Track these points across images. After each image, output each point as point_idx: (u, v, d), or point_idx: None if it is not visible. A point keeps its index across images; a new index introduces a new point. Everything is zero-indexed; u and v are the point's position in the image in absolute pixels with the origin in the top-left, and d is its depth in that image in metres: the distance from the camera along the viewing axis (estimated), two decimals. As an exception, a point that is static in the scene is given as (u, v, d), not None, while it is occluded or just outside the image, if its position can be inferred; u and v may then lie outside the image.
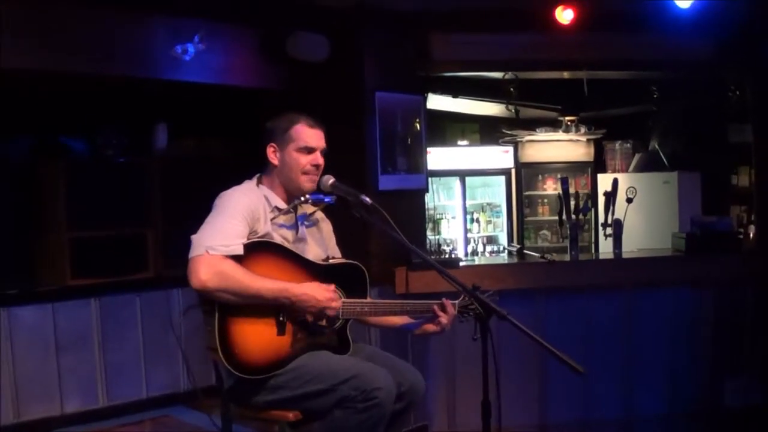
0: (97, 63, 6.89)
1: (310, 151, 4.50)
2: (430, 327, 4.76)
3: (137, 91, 8.19)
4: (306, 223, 4.72)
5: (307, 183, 4.50)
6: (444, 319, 4.67)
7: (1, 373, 7.41)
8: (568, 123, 13.15)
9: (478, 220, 13.60)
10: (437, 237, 12.39)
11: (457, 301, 4.72)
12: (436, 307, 4.67)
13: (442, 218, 12.97)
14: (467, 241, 13.13)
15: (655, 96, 10.88)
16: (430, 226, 11.96)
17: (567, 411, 7.66)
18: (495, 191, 13.93)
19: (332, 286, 4.32)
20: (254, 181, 4.61)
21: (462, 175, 13.27)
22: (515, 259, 8.54)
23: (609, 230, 8.06)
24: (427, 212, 10.11)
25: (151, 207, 8.69)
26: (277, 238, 4.42)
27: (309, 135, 4.52)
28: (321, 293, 4.23)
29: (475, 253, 12.99)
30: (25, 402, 7.58)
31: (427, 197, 9.46)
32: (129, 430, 7.92)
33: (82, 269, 8.11)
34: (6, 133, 8.09)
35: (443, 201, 13.25)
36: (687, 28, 7.95)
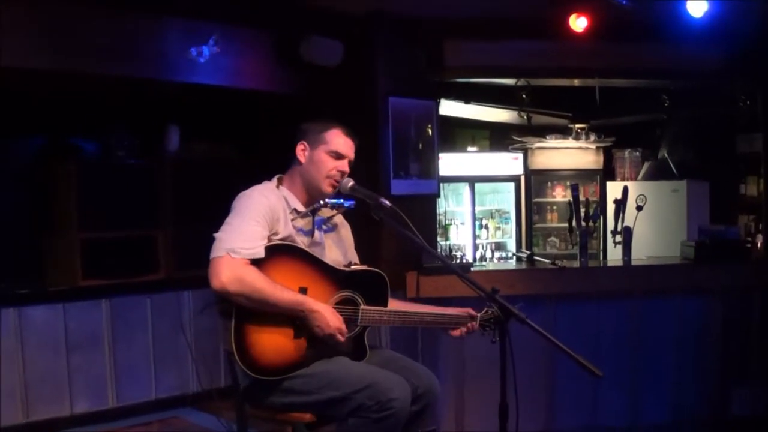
0: (111, 64, 6.91)
1: (339, 157, 4.55)
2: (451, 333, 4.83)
3: (149, 93, 8.21)
4: (324, 227, 4.74)
5: (327, 187, 4.54)
6: (459, 333, 4.79)
7: (11, 373, 7.46)
8: (578, 130, 13.16)
9: (486, 227, 13.57)
10: (447, 242, 12.37)
11: (479, 315, 4.75)
12: (458, 323, 4.75)
13: (451, 224, 12.97)
14: (476, 247, 13.12)
15: (666, 104, 10.89)
16: (439, 231, 11.93)
17: (574, 418, 7.67)
18: (504, 198, 13.92)
19: (342, 322, 4.33)
20: (274, 182, 4.63)
21: (471, 181, 13.26)
22: (525, 265, 8.53)
23: (618, 237, 8.06)
24: (437, 218, 10.12)
25: (162, 209, 8.72)
26: (295, 241, 4.44)
27: (342, 142, 4.58)
28: (333, 320, 4.25)
29: (483, 259, 12.99)
30: (34, 402, 7.64)
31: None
32: (137, 432, 7.96)
33: (93, 270, 8.13)
34: (19, 134, 8.13)
35: (452, 207, 13.25)
36: (700, 37, 7.95)
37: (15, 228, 8.09)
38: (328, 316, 4.23)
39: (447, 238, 12.73)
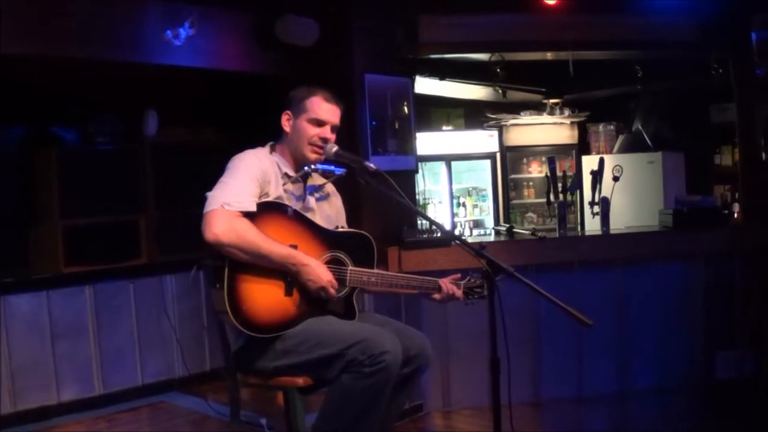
0: (88, 47, 6.86)
1: (320, 124, 4.62)
2: (433, 297, 4.86)
3: (128, 78, 8.20)
4: (316, 195, 4.82)
5: (311, 154, 4.62)
6: (438, 297, 4.84)
7: (-2, 363, 7.47)
8: (552, 106, 13.19)
9: (464, 204, 13.61)
10: (425, 221, 12.38)
11: (462, 282, 4.80)
12: (441, 285, 4.77)
13: (428, 203, 12.93)
14: (454, 226, 13.13)
15: (639, 75, 10.91)
16: (417, 211, 11.95)
17: (560, 387, 7.74)
18: (481, 175, 13.93)
19: (332, 275, 4.39)
20: (267, 147, 4.72)
21: (448, 159, 13.28)
22: (505, 238, 8.58)
23: (596, 208, 8.12)
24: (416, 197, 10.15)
25: (143, 194, 8.73)
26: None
27: (323, 109, 4.65)
28: (324, 273, 4.33)
29: (462, 236, 13.01)
30: (22, 391, 7.67)
31: (413, 182, 9.52)
32: (126, 417, 7.96)
33: (76, 257, 8.13)
34: (-2, 124, 8.14)
35: (429, 186, 13.21)
36: (671, 8, 8.03)
37: (-4, 217, 8.11)
38: (318, 269, 4.31)
39: (425, 217, 12.71)
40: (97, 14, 6.85)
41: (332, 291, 4.37)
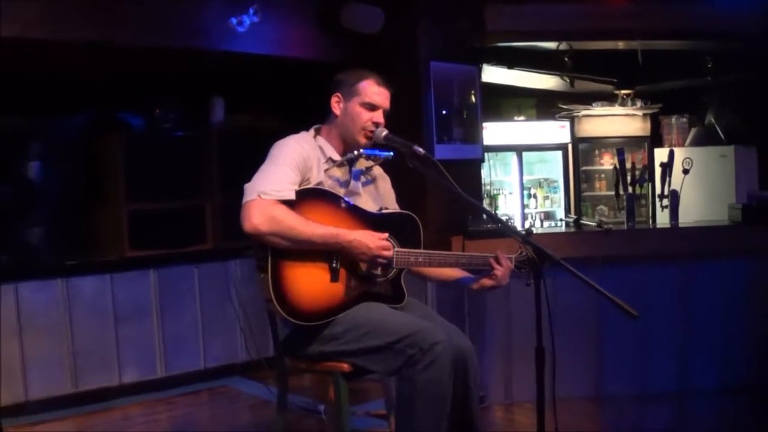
0: (153, 34, 6.92)
1: (372, 108, 4.56)
2: (487, 282, 4.69)
3: (193, 65, 8.24)
4: (363, 179, 4.76)
5: (362, 138, 4.55)
6: (499, 271, 4.62)
7: (60, 343, 7.57)
8: (624, 97, 13.05)
9: (535, 196, 13.53)
10: (495, 212, 12.32)
11: (513, 255, 4.71)
12: (492, 260, 4.64)
13: (499, 193, 12.90)
14: (524, 217, 13.07)
15: (709, 66, 10.75)
16: (487, 201, 11.89)
17: (622, 384, 7.63)
18: (552, 167, 13.86)
19: (385, 234, 4.32)
20: (311, 132, 4.68)
21: (519, 150, 13.21)
22: (572, 229, 8.51)
23: (665, 201, 8.02)
24: (483, 187, 10.09)
25: (209, 180, 8.79)
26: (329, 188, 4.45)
27: (376, 92, 4.58)
28: (372, 241, 4.23)
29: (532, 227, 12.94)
30: (84, 372, 7.77)
31: (484, 172, 9.44)
32: (186, 401, 8.02)
33: (141, 241, 8.24)
34: (67, 109, 8.21)
35: (500, 176, 13.19)
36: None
37: (63, 200, 8.18)
38: (365, 239, 4.22)
39: (496, 208, 12.66)
40: (162, 1, 6.88)
41: (388, 254, 4.28)
